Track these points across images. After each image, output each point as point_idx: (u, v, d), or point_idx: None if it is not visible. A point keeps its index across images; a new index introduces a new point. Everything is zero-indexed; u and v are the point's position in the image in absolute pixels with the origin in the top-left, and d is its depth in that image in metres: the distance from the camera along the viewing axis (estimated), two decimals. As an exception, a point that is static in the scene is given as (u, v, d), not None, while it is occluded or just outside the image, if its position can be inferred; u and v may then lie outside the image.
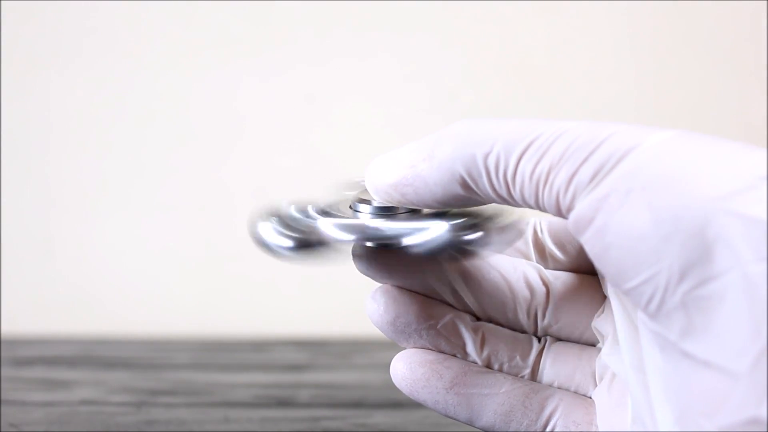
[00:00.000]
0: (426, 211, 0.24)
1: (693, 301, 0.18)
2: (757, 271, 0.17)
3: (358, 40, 0.57)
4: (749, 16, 0.57)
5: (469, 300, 0.25)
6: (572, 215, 0.20)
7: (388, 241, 0.23)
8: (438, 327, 0.25)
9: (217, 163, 0.58)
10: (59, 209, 0.59)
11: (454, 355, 0.25)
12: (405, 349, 0.25)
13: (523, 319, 0.25)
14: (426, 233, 0.23)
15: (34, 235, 0.59)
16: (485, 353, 0.25)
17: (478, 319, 0.26)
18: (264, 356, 0.54)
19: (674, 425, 0.20)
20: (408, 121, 0.57)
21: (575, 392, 0.25)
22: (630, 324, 0.22)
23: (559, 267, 0.26)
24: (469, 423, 0.24)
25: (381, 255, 0.24)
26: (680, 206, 0.18)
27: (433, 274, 0.25)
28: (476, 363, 0.25)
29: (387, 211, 0.24)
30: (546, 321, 0.25)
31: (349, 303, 0.54)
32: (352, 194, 0.25)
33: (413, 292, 0.25)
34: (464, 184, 0.21)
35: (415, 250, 0.22)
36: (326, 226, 0.23)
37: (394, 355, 0.25)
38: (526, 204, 0.21)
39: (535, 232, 0.26)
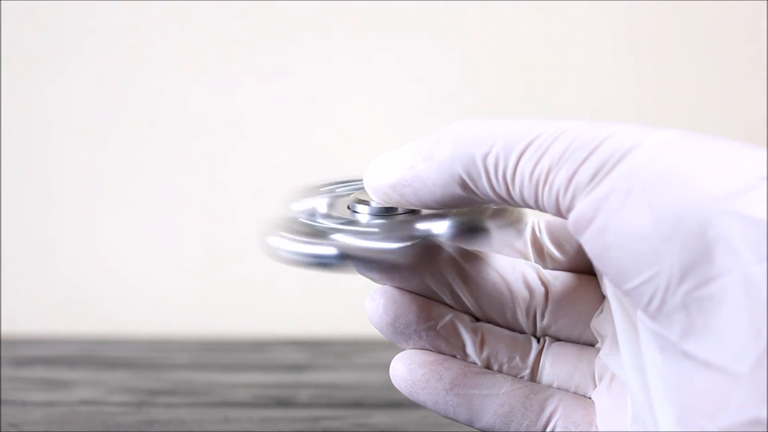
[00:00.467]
0: (425, 212, 0.24)
1: (694, 302, 0.18)
2: (758, 272, 0.17)
3: (358, 40, 0.57)
4: (749, 16, 0.57)
5: (468, 301, 0.25)
6: (572, 215, 0.20)
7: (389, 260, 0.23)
8: (437, 328, 0.25)
9: (217, 164, 0.58)
10: (59, 209, 0.59)
11: (454, 356, 0.25)
12: (404, 350, 0.25)
13: (522, 319, 0.25)
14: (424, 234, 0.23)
15: (34, 235, 0.59)
16: (485, 354, 0.25)
17: (478, 320, 0.26)
18: (264, 356, 0.54)
19: (675, 425, 0.20)
20: (408, 121, 0.57)
21: (575, 393, 0.25)
22: (629, 324, 0.22)
23: (557, 267, 0.26)
24: (469, 424, 0.24)
25: None
26: (681, 206, 0.18)
27: (432, 276, 0.25)
28: (476, 364, 0.25)
29: (386, 212, 0.24)
30: (545, 321, 0.25)
31: (349, 303, 0.54)
32: (351, 194, 0.25)
33: (413, 293, 0.25)
34: (463, 185, 0.21)
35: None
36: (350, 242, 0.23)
37: (394, 356, 0.25)
38: (525, 204, 0.21)
39: (533, 231, 0.26)
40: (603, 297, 0.25)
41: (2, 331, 0.58)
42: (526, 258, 0.26)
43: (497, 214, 0.24)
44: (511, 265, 0.25)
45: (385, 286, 0.25)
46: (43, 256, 0.59)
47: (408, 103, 0.57)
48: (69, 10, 0.57)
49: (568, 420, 0.24)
